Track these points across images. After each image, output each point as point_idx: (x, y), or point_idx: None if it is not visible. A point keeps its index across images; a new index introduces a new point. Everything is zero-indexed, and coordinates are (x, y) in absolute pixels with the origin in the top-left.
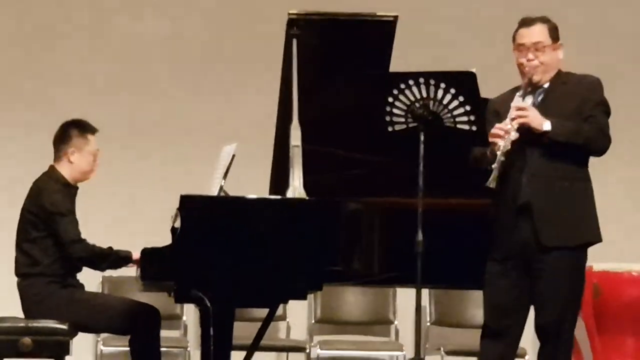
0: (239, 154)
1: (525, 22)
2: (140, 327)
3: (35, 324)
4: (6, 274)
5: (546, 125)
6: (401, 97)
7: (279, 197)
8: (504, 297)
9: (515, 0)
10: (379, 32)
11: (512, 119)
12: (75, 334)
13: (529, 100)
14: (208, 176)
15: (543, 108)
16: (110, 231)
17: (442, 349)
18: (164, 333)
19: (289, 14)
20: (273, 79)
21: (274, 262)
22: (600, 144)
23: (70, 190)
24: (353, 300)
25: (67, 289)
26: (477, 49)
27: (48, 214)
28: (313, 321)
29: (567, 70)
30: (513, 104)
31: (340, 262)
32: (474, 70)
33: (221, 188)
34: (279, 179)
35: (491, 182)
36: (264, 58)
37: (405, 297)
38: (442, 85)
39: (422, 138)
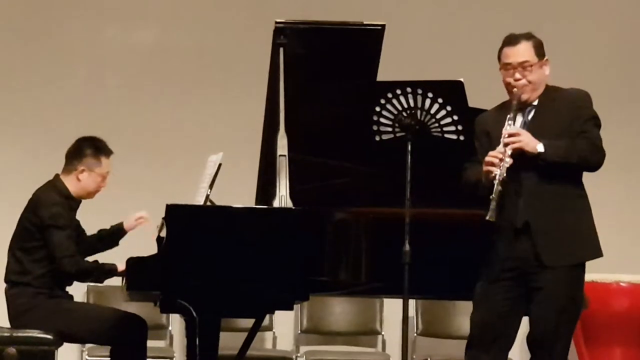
0: (225, 163)
1: (510, 41)
2: (126, 338)
3: (20, 334)
4: None
5: (539, 147)
6: (388, 106)
7: (265, 206)
8: (493, 316)
9: (505, 8)
10: (367, 41)
11: (505, 145)
12: (61, 344)
13: (519, 119)
14: (194, 185)
15: (534, 126)
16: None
17: (429, 359)
18: (149, 343)
19: (276, 22)
20: (260, 88)
21: (260, 272)
22: (595, 160)
23: (71, 203)
24: (340, 310)
25: (54, 299)
26: (464, 57)
27: (45, 225)
28: (299, 331)
29: (553, 85)
30: (505, 131)
31: (326, 273)
32: (461, 79)
33: (207, 197)
34: (266, 189)
35: (491, 216)
36: (250, 67)
37: (392, 307)
38: (430, 94)
39: (409, 148)
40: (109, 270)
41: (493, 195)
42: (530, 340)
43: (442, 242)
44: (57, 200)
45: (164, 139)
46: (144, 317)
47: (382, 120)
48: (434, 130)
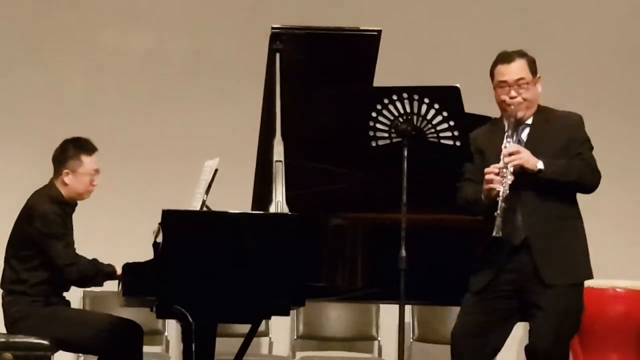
0: (221, 168)
1: (504, 58)
2: (122, 345)
3: (16, 339)
4: None
5: (539, 165)
6: (385, 112)
7: (261, 212)
8: (476, 328)
9: (502, 14)
10: (363, 46)
11: (506, 163)
12: (57, 350)
13: (515, 142)
14: (190, 191)
15: (529, 145)
16: (91, 245)
17: None
18: (145, 349)
19: (272, 28)
20: (256, 93)
21: (257, 277)
22: (593, 180)
23: (65, 208)
24: (336, 316)
25: (50, 307)
26: (461, 63)
27: (41, 236)
28: (295, 337)
29: (545, 105)
30: (504, 149)
31: (323, 278)
32: (458, 85)
33: (204, 203)
34: (262, 194)
35: (497, 232)
36: (247, 73)
37: (388, 313)
38: (426, 100)
39: (405, 153)
40: (109, 273)
41: (498, 212)
42: (529, 353)
43: (438, 247)
44: (51, 210)
45: (160, 144)
46: (140, 322)
47: (379, 125)
48: (430, 136)
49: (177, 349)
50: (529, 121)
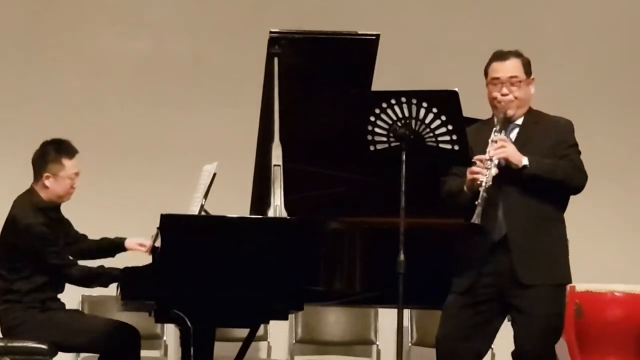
0: (219, 172)
1: (499, 56)
2: (119, 348)
3: (14, 344)
4: None
5: (524, 161)
6: (383, 116)
7: (260, 216)
8: (464, 324)
9: (500, 18)
10: (361, 50)
11: (492, 155)
12: (55, 354)
13: (502, 135)
14: (189, 195)
15: (517, 145)
16: None
17: None
18: (144, 353)
19: (271, 32)
20: (254, 97)
21: (255, 281)
22: (578, 180)
23: (49, 214)
24: (334, 320)
25: (46, 312)
26: (459, 67)
27: (30, 247)
28: (294, 341)
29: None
30: (491, 140)
31: (321, 282)
32: (456, 89)
33: (202, 207)
34: (260, 198)
35: (476, 219)
36: (245, 77)
37: (386, 317)
38: (424, 104)
39: (403, 157)
40: (116, 277)
41: (479, 200)
42: (515, 356)
43: (437, 251)
44: (35, 221)
45: (159, 148)
46: (138, 326)
47: (377, 130)
48: (428, 140)
49: (175, 354)
50: (519, 121)
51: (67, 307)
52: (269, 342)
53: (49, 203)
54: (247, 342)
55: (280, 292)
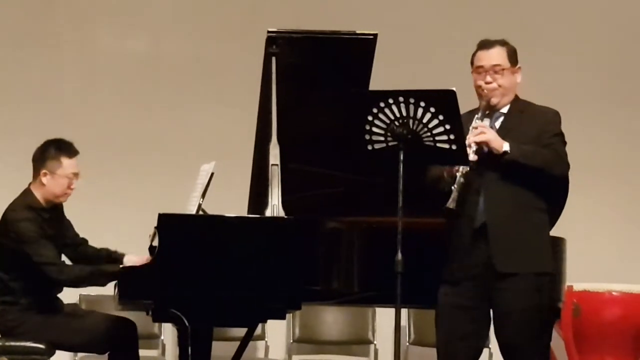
0: (217, 172)
1: (484, 45)
2: (118, 344)
3: (12, 343)
4: None
5: (505, 146)
6: (381, 115)
7: (257, 216)
8: (458, 324)
9: (498, 17)
10: (359, 50)
11: (471, 141)
12: (53, 353)
13: (486, 122)
14: (187, 194)
15: (501, 133)
16: None
17: None
18: (142, 352)
19: (268, 32)
20: (252, 97)
21: (253, 281)
22: (559, 169)
23: (41, 215)
24: (332, 319)
25: (43, 314)
26: (457, 66)
27: (19, 245)
28: (292, 341)
29: (524, 98)
30: (472, 126)
31: (319, 281)
32: (454, 88)
33: (200, 207)
34: (258, 198)
35: (451, 203)
36: (243, 76)
37: (384, 317)
38: (422, 103)
39: (401, 157)
40: (111, 274)
41: (455, 185)
42: (500, 347)
43: (434, 251)
44: (24, 217)
45: (156, 147)
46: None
47: (375, 129)
48: (426, 139)
49: (173, 353)
50: (504, 110)
51: (65, 302)
52: (266, 342)
53: (44, 203)
54: (244, 342)
55: (277, 291)
